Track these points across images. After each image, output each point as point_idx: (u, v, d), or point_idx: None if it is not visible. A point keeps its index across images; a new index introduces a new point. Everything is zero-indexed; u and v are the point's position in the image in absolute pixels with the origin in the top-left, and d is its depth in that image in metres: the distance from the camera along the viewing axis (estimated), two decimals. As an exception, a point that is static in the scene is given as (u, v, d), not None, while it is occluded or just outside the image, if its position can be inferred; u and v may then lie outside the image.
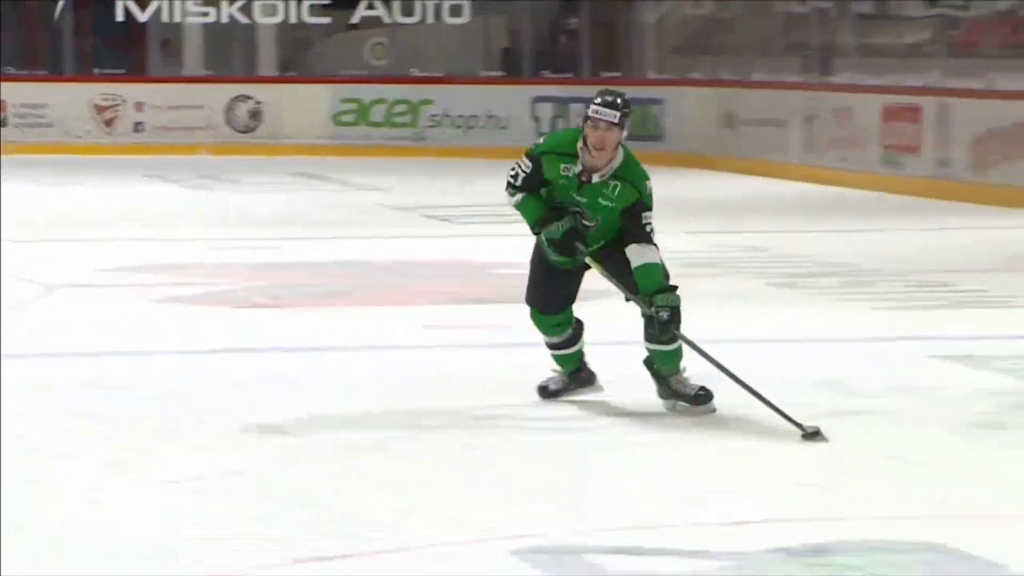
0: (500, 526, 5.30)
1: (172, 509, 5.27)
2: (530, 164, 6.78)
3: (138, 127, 22.61)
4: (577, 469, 6.01)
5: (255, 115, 22.82)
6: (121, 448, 6.22)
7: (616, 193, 6.64)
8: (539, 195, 6.76)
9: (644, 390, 6.85)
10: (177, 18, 23.18)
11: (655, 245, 6.62)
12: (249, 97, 22.85)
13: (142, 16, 22.90)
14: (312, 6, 23.16)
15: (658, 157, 20.64)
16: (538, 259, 6.90)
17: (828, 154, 18.62)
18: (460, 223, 15.09)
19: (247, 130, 22.77)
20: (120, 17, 22.76)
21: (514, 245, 13.23)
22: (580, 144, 6.64)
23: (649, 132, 21.51)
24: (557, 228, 6.70)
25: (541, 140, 6.95)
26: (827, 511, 5.52)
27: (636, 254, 6.60)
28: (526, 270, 11.47)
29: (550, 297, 6.90)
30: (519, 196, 6.81)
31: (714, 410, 6.69)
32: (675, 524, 5.22)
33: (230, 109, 22.77)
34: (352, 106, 22.73)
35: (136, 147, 22.10)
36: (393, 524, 5.34)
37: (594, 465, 6.13)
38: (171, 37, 23.73)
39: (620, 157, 6.68)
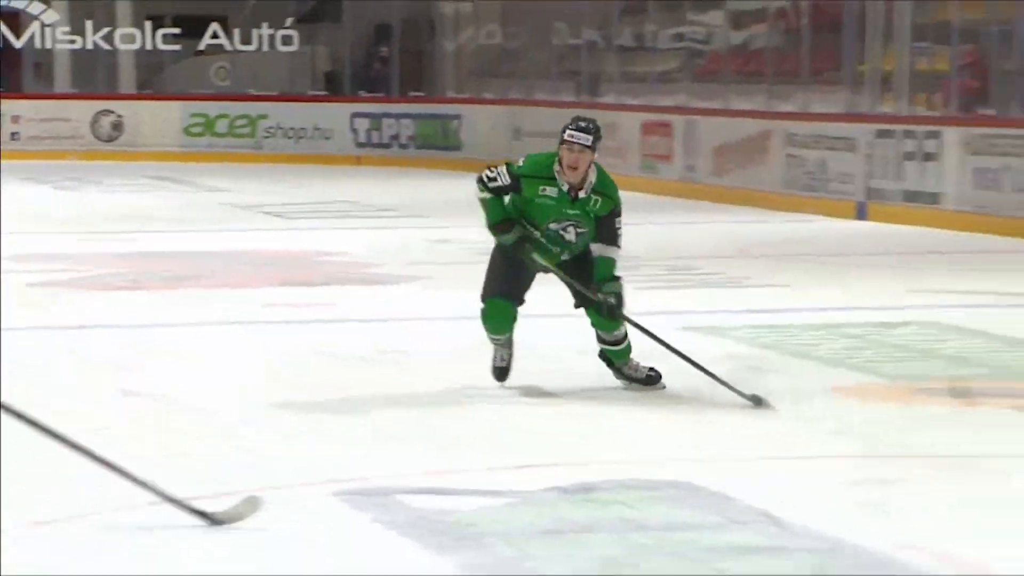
0: (326, 472, 5.31)
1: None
2: (509, 180, 6.44)
3: (15, 136, 22.10)
4: (411, 422, 6.01)
5: (116, 127, 22.44)
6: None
7: (598, 206, 6.41)
8: (503, 202, 6.47)
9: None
10: (48, 45, 22.72)
11: (619, 247, 6.43)
12: (111, 111, 22.46)
13: (17, 43, 22.40)
14: (165, 35, 22.85)
15: (457, 164, 20.72)
16: (500, 254, 6.57)
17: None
18: (292, 219, 15.00)
19: (110, 139, 22.39)
20: (-2, 43, 22.27)
21: (337, 236, 13.27)
22: (556, 167, 6.40)
23: (449, 143, 21.56)
24: (508, 237, 6.46)
25: (521, 161, 6.57)
26: (596, 457, 5.58)
27: (600, 249, 6.41)
28: (347, 258, 11.37)
29: (511, 286, 6.55)
30: (487, 195, 6.48)
31: (664, 387, 6.54)
32: (475, 470, 5.24)
33: (95, 121, 22.36)
34: (200, 120, 22.45)
35: (13, 154, 21.54)
36: (244, 470, 5.33)
37: (427, 420, 6.10)
38: (43, 61, 23.24)
39: (595, 174, 6.46)
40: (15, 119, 22.14)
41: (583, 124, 6.44)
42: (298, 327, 8.53)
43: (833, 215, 14.70)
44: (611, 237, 6.45)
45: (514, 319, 6.58)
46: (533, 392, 6.54)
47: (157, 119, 22.38)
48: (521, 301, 6.60)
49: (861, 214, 14.66)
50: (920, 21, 15.28)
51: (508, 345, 6.65)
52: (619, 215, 6.50)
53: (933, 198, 14.16)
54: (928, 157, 14.21)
